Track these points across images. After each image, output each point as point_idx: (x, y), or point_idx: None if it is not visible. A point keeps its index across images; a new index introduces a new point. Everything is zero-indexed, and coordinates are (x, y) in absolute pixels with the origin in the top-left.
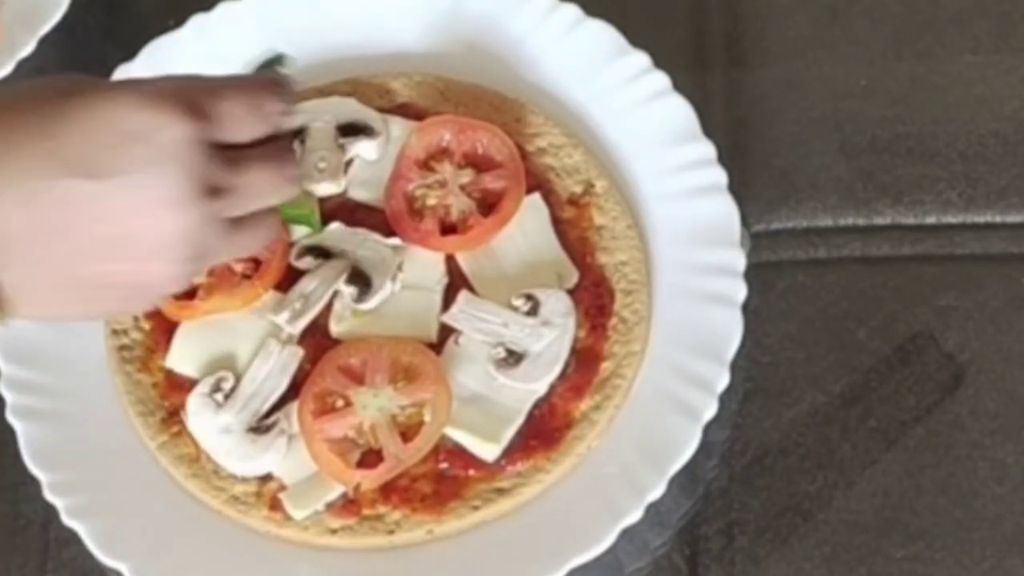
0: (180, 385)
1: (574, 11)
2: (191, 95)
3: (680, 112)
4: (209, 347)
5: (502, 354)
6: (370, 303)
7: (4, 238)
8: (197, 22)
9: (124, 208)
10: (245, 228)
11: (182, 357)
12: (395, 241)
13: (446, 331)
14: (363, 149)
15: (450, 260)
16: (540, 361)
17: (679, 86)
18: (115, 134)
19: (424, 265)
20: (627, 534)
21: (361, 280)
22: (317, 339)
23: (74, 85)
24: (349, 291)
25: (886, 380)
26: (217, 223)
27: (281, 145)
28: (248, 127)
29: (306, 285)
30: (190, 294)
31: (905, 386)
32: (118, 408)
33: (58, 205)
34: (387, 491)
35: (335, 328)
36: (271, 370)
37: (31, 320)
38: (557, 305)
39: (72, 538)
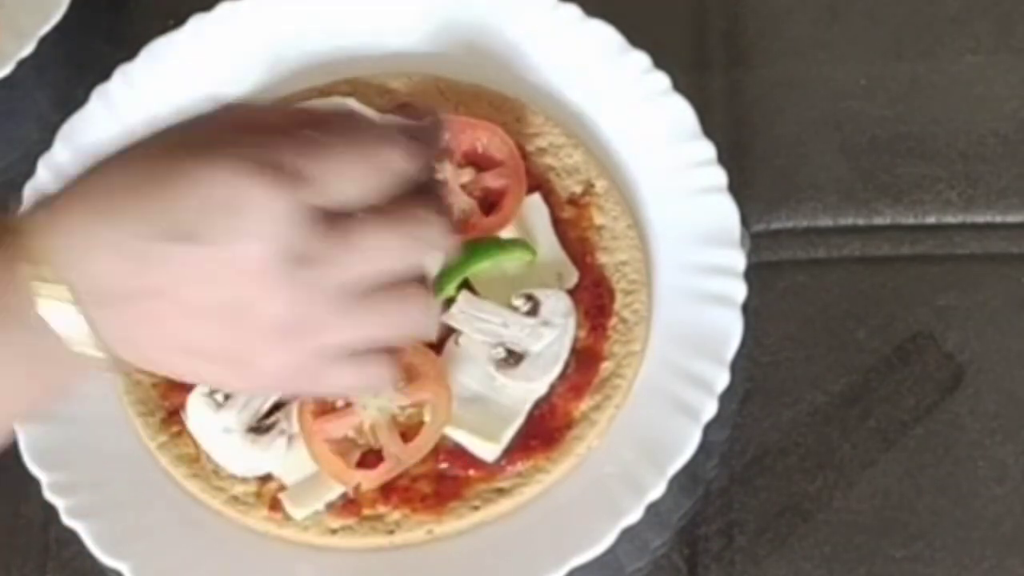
0: (180, 385)
1: (574, 11)
2: (297, 158)
3: (680, 112)
4: None
5: (502, 354)
6: None
7: (103, 295)
8: (197, 22)
9: (217, 276)
10: (355, 360)
11: None
12: None
13: (446, 331)
14: None
15: None
16: (540, 361)
17: (679, 86)
18: (209, 203)
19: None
20: (627, 534)
21: None
22: None
23: (182, 140)
24: None
25: (886, 380)
26: (316, 298)
27: (416, 204)
28: (361, 188)
29: None
30: None
31: (905, 386)
32: (118, 408)
33: (155, 267)
34: (387, 491)
35: None
36: None
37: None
38: (557, 305)
39: (72, 538)
